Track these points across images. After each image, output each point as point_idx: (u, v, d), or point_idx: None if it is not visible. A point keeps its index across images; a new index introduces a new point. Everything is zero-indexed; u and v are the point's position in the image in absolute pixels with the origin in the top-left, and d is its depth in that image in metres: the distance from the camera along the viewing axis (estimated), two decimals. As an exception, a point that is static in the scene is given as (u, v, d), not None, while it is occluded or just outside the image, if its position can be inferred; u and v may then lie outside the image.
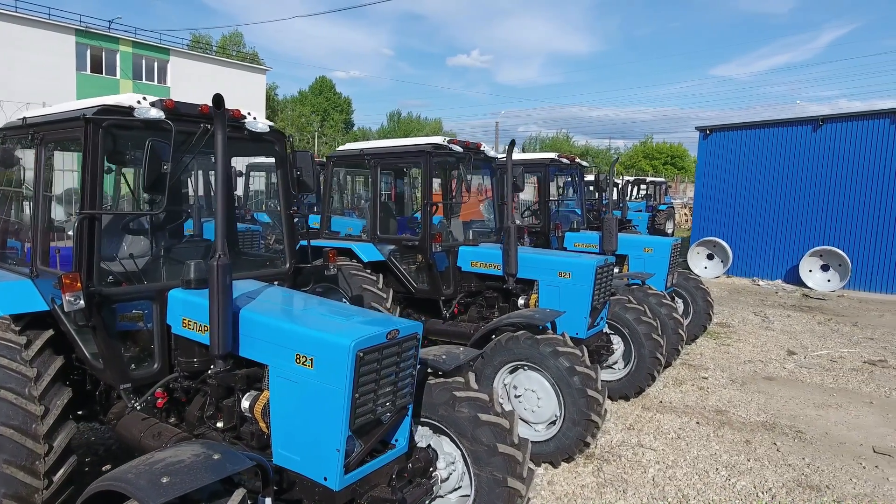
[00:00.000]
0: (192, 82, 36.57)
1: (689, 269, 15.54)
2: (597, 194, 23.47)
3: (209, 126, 3.62)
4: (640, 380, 6.06)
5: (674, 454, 5.05)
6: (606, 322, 6.17)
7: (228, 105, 3.17)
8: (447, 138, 6.07)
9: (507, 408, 3.67)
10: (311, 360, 2.77)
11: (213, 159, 3.55)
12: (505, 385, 5.03)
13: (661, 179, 27.66)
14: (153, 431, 3.48)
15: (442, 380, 3.59)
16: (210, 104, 3.00)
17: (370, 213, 6.38)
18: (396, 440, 3.17)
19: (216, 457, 2.34)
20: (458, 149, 6.00)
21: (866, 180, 13.62)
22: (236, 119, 3.93)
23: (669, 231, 23.26)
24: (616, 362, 6.28)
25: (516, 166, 6.74)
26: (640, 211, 21.44)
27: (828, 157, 14.04)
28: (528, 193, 12.43)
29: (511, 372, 4.99)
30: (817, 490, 4.49)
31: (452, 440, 3.47)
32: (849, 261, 13.46)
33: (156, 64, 35.43)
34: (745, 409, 6.12)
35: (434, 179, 6.84)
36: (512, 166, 5.67)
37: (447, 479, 3.48)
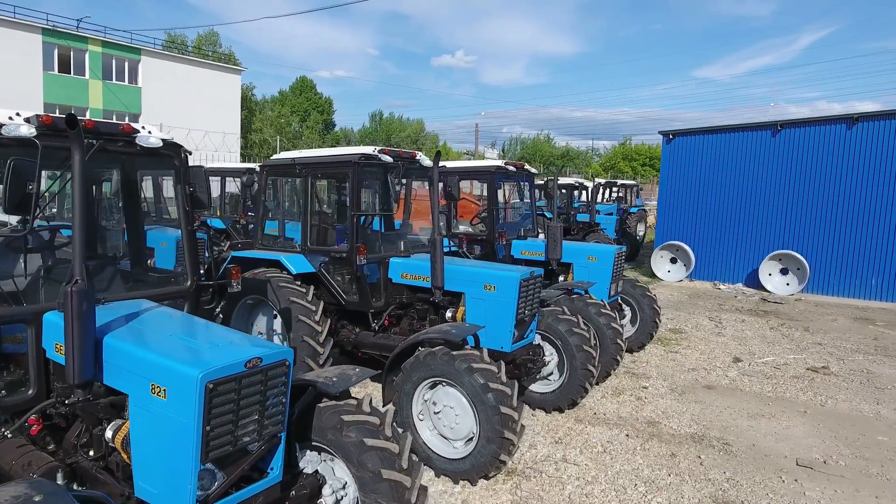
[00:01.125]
0: (164, 83, 36.13)
1: (653, 272, 15.62)
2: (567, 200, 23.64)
3: (94, 141, 3.48)
4: (572, 392, 6.00)
5: (596, 469, 4.99)
6: (540, 333, 6.12)
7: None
8: (378, 148, 5.96)
9: (423, 427, 3.57)
10: (164, 390, 2.65)
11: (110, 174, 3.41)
12: (425, 401, 4.94)
13: (633, 182, 27.76)
14: (25, 461, 3.32)
15: (333, 402, 3.48)
16: (91, 119, 2.86)
17: (301, 223, 6.25)
18: (272, 468, 3.07)
19: (36, 499, 2.21)
20: (388, 158, 5.90)
21: (823, 185, 13.76)
22: (127, 134, 3.78)
23: (641, 233, 23.36)
24: (551, 374, 6.21)
25: (452, 175, 6.67)
26: (611, 214, 21.47)
27: (786, 161, 14.16)
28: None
29: (431, 387, 4.90)
30: (732, 506, 4.46)
31: (344, 465, 3.39)
32: (807, 264, 13.58)
33: (126, 64, 34.91)
34: (678, 421, 6.09)
35: (372, 189, 6.76)
36: (438, 176, 5.56)
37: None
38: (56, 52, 31.65)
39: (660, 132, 15.86)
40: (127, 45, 34.70)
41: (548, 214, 19.62)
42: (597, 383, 7.01)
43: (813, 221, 13.92)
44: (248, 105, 52.76)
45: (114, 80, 34.16)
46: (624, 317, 8.48)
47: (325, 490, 3.35)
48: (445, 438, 4.86)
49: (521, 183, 8.89)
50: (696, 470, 5.02)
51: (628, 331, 8.48)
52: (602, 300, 7.19)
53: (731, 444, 5.54)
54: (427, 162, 6.41)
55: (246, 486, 2.92)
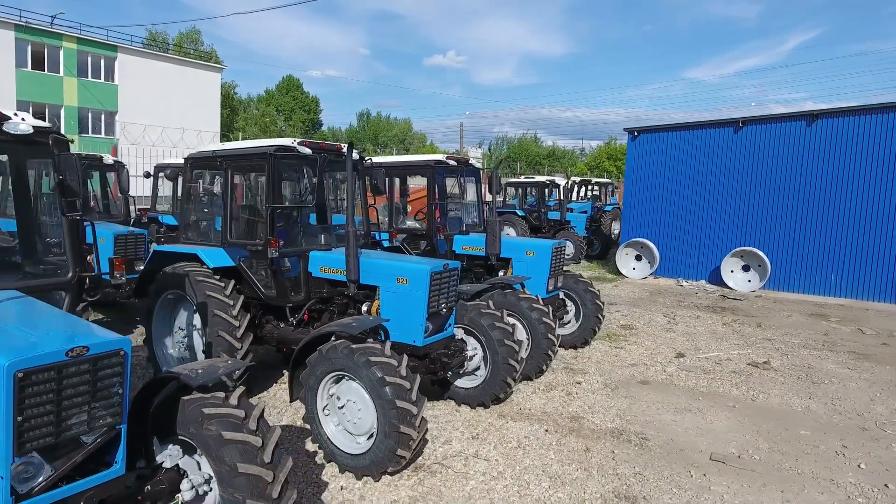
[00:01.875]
0: (142, 80, 35.79)
1: (619, 270, 15.60)
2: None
3: None
4: (495, 387, 5.92)
5: (505, 465, 4.91)
6: (463, 328, 6.04)
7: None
8: (297, 140, 5.85)
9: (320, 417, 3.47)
10: (-17, 379, 2.53)
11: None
12: (331, 395, 4.85)
13: (608, 181, 27.78)
14: None
15: (199, 395, 3.38)
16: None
17: (221, 217, 6.13)
18: (117, 462, 2.96)
19: None
20: (307, 150, 5.79)
21: (784, 182, 13.79)
22: None
23: (616, 231, 23.36)
24: (478, 369, 6.13)
25: (377, 169, 6.57)
26: (585, 212, 21.45)
27: (748, 158, 14.18)
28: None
29: (336, 382, 4.81)
30: (632, 501, 4.39)
31: (206, 459, 3.29)
32: (768, 261, 13.61)
33: (102, 61, 34.52)
34: (602, 416, 6.02)
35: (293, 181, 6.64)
36: (352, 169, 5.46)
37: (200, 499, 3.31)
38: (29, 48, 31.24)
39: (625, 129, 15.85)
40: (103, 42, 34.30)
41: (519, 213, 19.67)
42: (530, 379, 6.97)
43: (774, 218, 13.94)
44: (231, 104, 52.38)
45: (89, 78, 33.75)
46: (567, 312, 8.42)
47: (184, 485, 3.25)
48: (350, 434, 4.77)
49: (463, 178, 8.78)
50: (606, 465, 4.95)
51: (572, 326, 8.43)
52: (537, 295, 7.12)
53: (648, 439, 5.48)
54: (354, 155, 6.30)
55: (80, 478, 2.82)
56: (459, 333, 6.05)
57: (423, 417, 4.54)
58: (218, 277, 5.89)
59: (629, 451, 5.22)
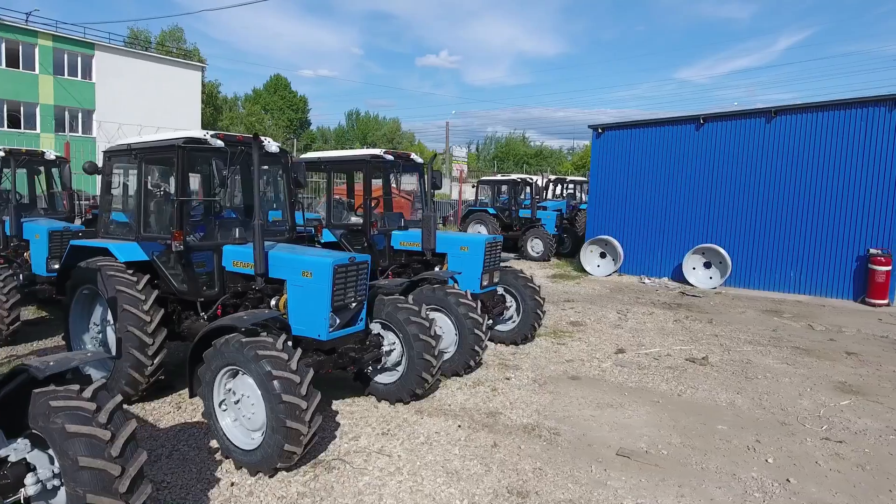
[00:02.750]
0: (120, 78, 35.50)
1: (583, 267, 15.57)
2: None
3: None
4: (411, 383, 5.84)
5: (406, 460, 4.83)
6: (381, 322, 5.96)
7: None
8: (211, 132, 5.75)
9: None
10: None
11: None
12: (228, 390, 4.76)
13: (583, 179, 27.76)
14: None
15: (51, 388, 3.29)
16: None
17: (134, 210, 6.02)
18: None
19: None
20: (219, 143, 5.68)
21: (745, 178, 13.80)
22: None
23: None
24: (399, 364, 6.05)
25: (298, 163, 6.49)
26: (559, 210, 21.40)
27: (709, 155, 14.19)
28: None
29: (233, 376, 4.72)
30: (523, 496, 4.32)
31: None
32: (728, 258, 13.62)
33: (79, 59, 34.21)
34: (521, 411, 5.96)
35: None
36: (259, 162, 5.36)
37: (51, 494, 3.23)
38: (3, 45, 30.89)
39: (589, 126, 15.82)
40: (79, 40, 33.98)
41: (490, 211, 19.61)
42: (459, 375, 6.90)
43: (735, 215, 13.96)
44: (215, 102, 52.07)
45: (66, 76, 33.42)
46: (507, 308, 8.36)
47: (29, 479, 3.16)
48: (246, 429, 4.68)
49: (397, 174, 8.68)
50: (508, 460, 4.88)
51: (513, 323, 8.37)
52: (467, 290, 7.05)
53: (560, 434, 5.42)
54: (274, 148, 6.21)
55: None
56: (377, 328, 5.97)
57: (315, 412, 4.46)
58: (131, 272, 5.77)
59: (537, 447, 5.15)
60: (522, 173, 40.54)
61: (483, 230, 19.23)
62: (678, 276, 14.45)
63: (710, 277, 13.97)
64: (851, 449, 5.36)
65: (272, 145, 6.20)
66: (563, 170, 60.16)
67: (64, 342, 6.50)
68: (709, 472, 4.82)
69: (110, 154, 6.37)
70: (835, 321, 10.78)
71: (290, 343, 4.71)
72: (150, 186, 6.17)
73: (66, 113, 33.86)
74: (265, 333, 4.70)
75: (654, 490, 4.47)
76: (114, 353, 5.87)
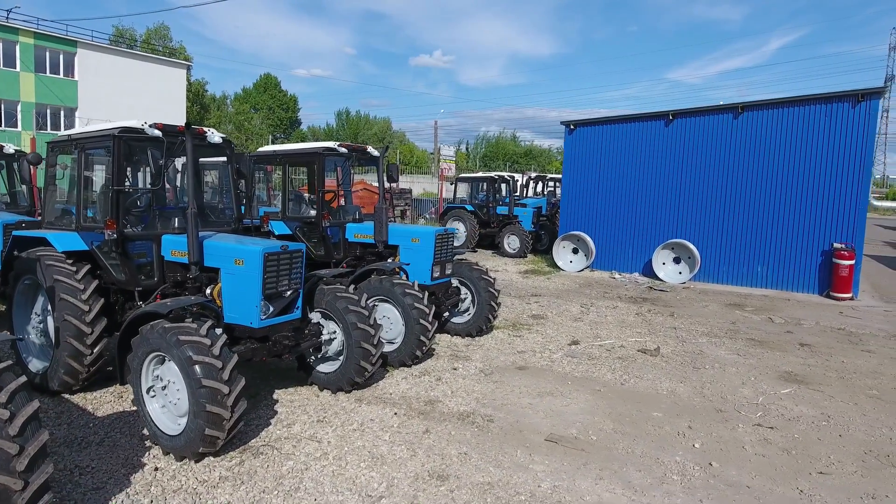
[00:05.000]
0: (103, 76, 35.33)
1: (556, 263, 15.64)
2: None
3: None
4: (351, 371, 5.88)
5: (335, 446, 4.86)
6: (322, 311, 5.99)
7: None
8: (150, 122, 5.75)
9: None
10: None
11: None
12: (155, 377, 4.78)
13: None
14: None
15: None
16: None
17: (76, 201, 6.02)
18: None
19: None
20: (157, 133, 5.69)
21: (713, 174, 13.91)
22: None
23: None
24: (341, 353, 6.08)
25: (241, 155, 6.51)
26: (539, 208, 21.47)
27: (678, 151, 14.29)
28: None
29: (160, 363, 4.75)
30: (443, 479, 4.37)
31: None
32: (697, 253, 13.73)
33: (61, 57, 34.02)
34: (460, 400, 6.01)
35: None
36: (194, 152, 5.38)
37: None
38: (-16, 43, 30.69)
39: (562, 122, 15.89)
40: (61, 38, 33.78)
41: (468, 208, 19.66)
42: (407, 365, 6.94)
43: (704, 210, 14.07)
44: (202, 101, 51.88)
45: (48, 73, 33.23)
46: (462, 301, 8.41)
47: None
48: (173, 415, 4.70)
49: (348, 168, 8.68)
50: (436, 446, 4.93)
51: (468, 314, 8.42)
52: (414, 281, 7.10)
53: (494, 421, 5.47)
54: (217, 139, 6.22)
55: None
56: (317, 317, 6.01)
57: (239, 397, 4.49)
58: (70, 262, 5.78)
59: (468, 433, 5.20)
60: (512, 172, 40.68)
61: (461, 227, 19.30)
62: (648, 272, 14.55)
63: (680, 272, 14.08)
64: (781, 435, 5.44)
65: (215, 136, 6.22)
66: (552, 168, 60.32)
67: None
68: (633, 456, 4.88)
69: (54, 145, 6.38)
70: (795, 314, 10.90)
71: (218, 330, 4.74)
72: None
73: (48, 110, 33.65)
74: (191, 320, 4.73)
75: (574, 473, 4.53)
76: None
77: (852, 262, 12.25)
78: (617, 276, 14.72)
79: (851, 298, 12.35)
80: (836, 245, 12.49)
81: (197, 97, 50.36)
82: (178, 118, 39.43)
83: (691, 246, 13.80)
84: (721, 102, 13.88)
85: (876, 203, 56.13)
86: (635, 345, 8.40)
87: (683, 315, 10.58)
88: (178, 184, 6.97)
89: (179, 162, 6.66)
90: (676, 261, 14.20)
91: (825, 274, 12.76)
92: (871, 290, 13.83)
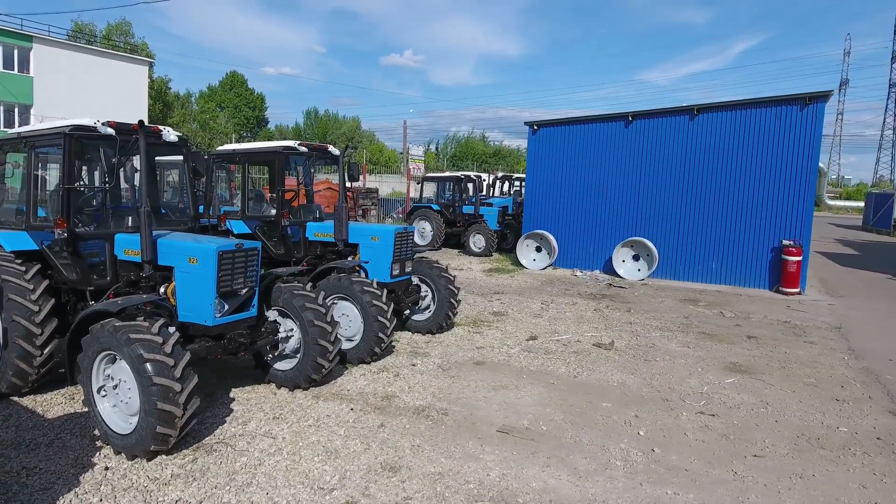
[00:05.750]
0: (61, 73, 34.32)
1: (519, 261, 15.88)
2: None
3: None
4: (308, 369, 5.93)
5: (289, 441, 4.92)
6: (278, 309, 6.03)
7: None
8: (102, 120, 5.70)
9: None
10: None
11: None
12: (107, 376, 4.76)
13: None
14: None
15: None
16: None
17: (25, 199, 5.93)
18: None
19: None
20: (109, 131, 5.65)
21: (670, 174, 14.33)
22: None
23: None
24: (298, 350, 6.12)
25: (197, 153, 6.51)
26: (504, 207, 21.72)
27: (637, 151, 14.68)
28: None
29: (112, 362, 4.73)
30: (395, 470, 4.47)
31: None
32: (655, 251, 14.12)
33: (16, 52, 32.93)
34: (417, 394, 6.12)
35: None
36: (146, 150, 5.36)
37: None
38: (-68, 36, 29.51)
39: (525, 123, 16.15)
40: (16, 32, 32.70)
41: (434, 207, 19.79)
42: (366, 362, 7.02)
43: (662, 209, 14.48)
44: (165, 99, 50.78)
45: (1, 69, 32.13)
46: (423, 298, 8.52)
47: None
48: (125, 414, 4.70)
49: (308, 167, 8.72)
50: (390, 439, 5.03)
51: (428, 312, 8.54)
52: (373, 279, 7.18)
53: (448, 415, 5.60)
54: (173, 137, 6.20)
55: None
56: (274, 315, 6.04)
57: (191, 395, 4.52)
58: (20, 262, 5.69)
59: (422, 426, 5.32)
60: (480, 172, 40.94)
61: (427, 226, 19.42)
62: (609, 269, 14.90)
63: (639, 269, 14.46)
64: (721, 421, 5.71)
65: (171, 135, 6.20)
66: (520, 168, 60.87)
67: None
68: (580, 444, 5.07)
69: (3, 143, 6.27)
70: (746, 308, 11.33)
71: (171, 328, 4.75)
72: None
73: (1, 107, 32.54)
74: (143, 318, 4.73)
75: (522, 462, 4.69)
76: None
77: (800, 258, 12.78)
78: (578, 273, 15.04)
79: (799, 293, 12.89)
80: (785, 242, 13.01)
81: (160, 95, 49.26)
82: (140, 116, 38.53)
83: (650, 244, 14.19)
84: (685, 104, 14.28)
85: (830, 202, 58.25)
86: (591, 339, 8.65)
87: (640, 310, 10.90)
88: (135, 182, 6.92)
89: (137, 160, 6.63)
90: (636, 258, 14.58)
91: (775, 270, 13.28)
92: (819, 285, 14.45)
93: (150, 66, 42.34)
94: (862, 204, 45.58)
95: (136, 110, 38.11)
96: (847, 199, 63.61)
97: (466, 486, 4.27)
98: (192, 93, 70.50)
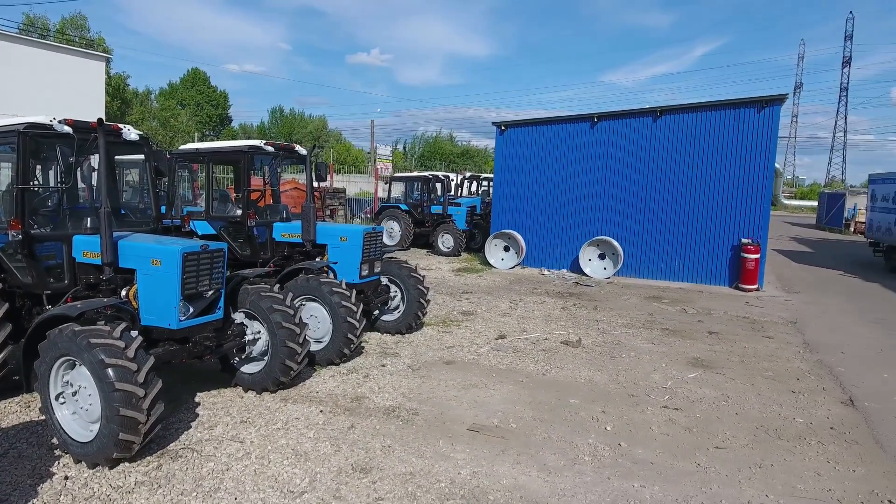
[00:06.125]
0: (12, 68, 32.82)
1: (488, 261, 15.98)
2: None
3: None
4: (276, 371, 5.85)
5: (258, 445, 4.85)
6: (245, 311, 5.93)
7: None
8: (59, 118, 5.51)
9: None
10: None
11: None
12: (65, 382, 4.61)
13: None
14: None
15: None
16: None
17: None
18: None
19: None
20: (66, 129, 5.46)
21: (634, 174, 14.63)
22: None
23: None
24: (266, 353, 6.03)
25: (159, 152, 6.36)
26: (472, 206, 21.80)
27: (603, 152, 14.94)
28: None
29: (71, 368, 4.58)
30: (366, 471, 4.46)
31: None
32: (620, 249, 14.40)
33: (-38, 45, 31.37)
34: (387, 395, 6.11)
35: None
36: (106, 149, 5.20)
37: None
38: None
39: (493, 123, 16.26)
40: (-37, 25, 31.21)
41: (403, 207, 19.74)
42: (335, 363, 6.97)
43: (626, 209, 14.77)
44: (122, 95, 49.24)
45: (-56, 63, 30.60)
46: (392, 298, 8.51)
47: None
48: (85, 421, 4.55)
49: (275, 166, 8.59)
50: (361, 440, 5.01)
51: (398, 312, 8.52)
52: (342, 279, 7.13)
53: (418, 414, 5.61)
54: (133, 136, 6.03)
55: None
56: (241, 317, 5.95)
57: (156, 400, 4.41)
58: (-29, 266, 5.46)
59: (392, 426, 5.31)
60: (448, 172, 40.96)
61: (395, 226, 19.36)
62: (575, 268, 15.12)
63: (605, 268, 14.72)
64: (685, 415, 5.87)
65: (131, 133, 6.03)
66: (488, 168, 61.23)
67: None
68: (549, 441, 5.15)
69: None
70: (707, 305, 11.66)
71: (133, 332, 4.63)
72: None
73: (-53, 104, 31.00)
74: (104, 322, 4.60)
75: (493, 459, 4.73)
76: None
77: (758, 255, 13.22)
78: (546, 272, 15.22)
79: (757, 289, 13.33)
80: (744, 240, 13.44)
81: (118, 91, 47.74)
82: (97, 113, 37.29)
83: (615, 243, 14.46)
84: (647, 106, 14.61)
85: (786, 202, 60.35)
86: (559, 337, 8.76)
87: (606, 308, 11.10)
88: (94, 182, 6.71)
89: (95, 159, 6.43)
90: (602, 257, 14.84)
91: (734, 267, 13.70)
92: (776, 282, 14.97)
93: (108, 61, 40.90)
94: (816, 203, 47.36)
95: (92, 107, 36.79)
96: (802, 198, 66.00)
97: (438, 485, 4.29)
98: (151, 90, 68.61)
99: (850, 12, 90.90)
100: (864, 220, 27.28)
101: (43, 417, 5.26)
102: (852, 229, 33.85)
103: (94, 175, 6.66)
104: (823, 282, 15.69)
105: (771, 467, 4.80)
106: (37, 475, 4.35)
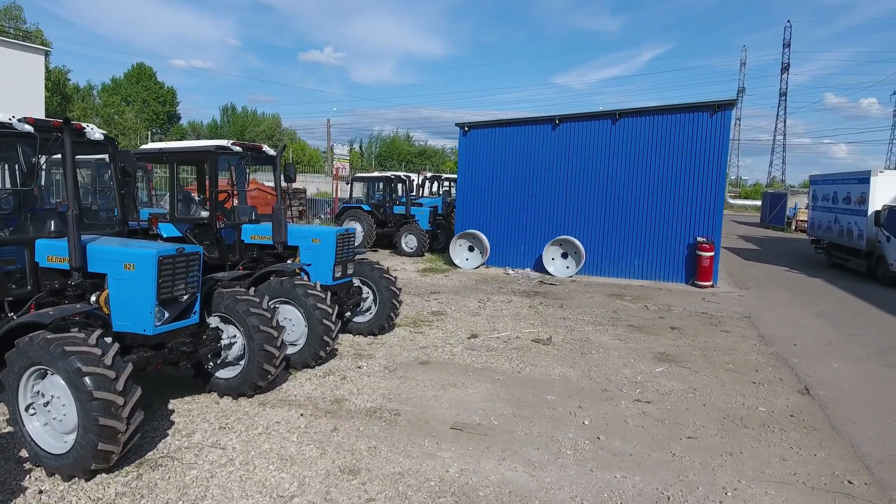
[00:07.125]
0: (-59, 60, 30.89)
1: (452, 261, 16.08)
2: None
3: None
4: (253, 375, 5.76)
5: (240, 451, 4.77)
6: (220, 315, 5.81)
7: None
8: (19, 116, 5.26)
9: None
10: None
11: None
12: (36, 392, 4.42)
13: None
14: None
15: None
16: None
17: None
18: None
19: None
20: (27, 128, 5.22)
21: (594, 175, 15.02)
22: None
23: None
24: (242, 357, 5.92)
25: (125, 152, 6.15)
26: (434, 207, 21.87)
27: (564, 153, 15.27)
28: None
29: (41, 377, 4.39)
30: (354, 473, 4.46)
31: None
32: (583, 249, 14.75)
33: None
34: (366, 397, 6.10)
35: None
36: (72, 149, 5.00)
37: None
38: None
39: (456, 124, 16.37)
40: None
41: (365, 207, 19.62)
42: (310, 366, 6.90)
43: (587, 209, 15.14)
44: (63, 91, 47.02)
45: None
46: (364, 300, 8.48)
47: None
48: (59, 433, 4.37)
49: (242, 167, 8.43)
50: (345, 442, 4.99)
51: (370, 313, 8.50)
52: (316, 282, 7.07)
53: (400, 415, 5.63)
54: (98, 135, 5.81)
55: None
56: (216, 322, 5.82)
57: (135, 409, 4.28)
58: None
59: (375, 428, 5.32)
60: (407, 172, 40.88)
61: (358, 227, 19.21)
62: (539, 267, 15.40)
63: (567, 267, 15.05)
64: (657, 408, 6.10)
65: (95, 133, 5.82)
66: (447, 168, 61.46)
67: None
68: (531, 436, 5.26)
69: None
70: (667, 301, 12.09)
71: (109, 339, 4.48)
72: None
73: None
74: (77, 329, 4.43)
75: (479, 457, 4.81)
76: None
77: (712, 253, 13.79)
78: (510, 271, 15.44)
79: (712, 286, 13.91)
80: (699, 239, 13.99)
81: (57, 86, 45.58)
82: (37, 110, 35.45)
83: (577, 242, 14.81)
84: (601, 108, 15.00)
85: (732, 201, 63.11)
86: (529, 335, 8.93)
87: (571, 306, 11.36)
88: (42, 183, 6.43)
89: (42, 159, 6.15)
90: (564, 256, 15.16)
91: (690, 265, 14.24)
92: (728, 278, 15.65)
93: (47, 54, 38.99)
94: (759, 203, 49.65)
95: (31, 103, 35.01)
96: (745, 198, 69.08)
97: (428, 484, 4.33)
98: (93, 85, 65.79)
99: (788, 21, 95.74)
100: (804, 218, 28.82)
101: (10, 429, 5.03)
102: (794, 227, 35.69)
103: (44, 175, 6.40)
104: (771, 278, 16.50)
105: (740, 454, 5.05)
106: (8, 490, 4.16)
